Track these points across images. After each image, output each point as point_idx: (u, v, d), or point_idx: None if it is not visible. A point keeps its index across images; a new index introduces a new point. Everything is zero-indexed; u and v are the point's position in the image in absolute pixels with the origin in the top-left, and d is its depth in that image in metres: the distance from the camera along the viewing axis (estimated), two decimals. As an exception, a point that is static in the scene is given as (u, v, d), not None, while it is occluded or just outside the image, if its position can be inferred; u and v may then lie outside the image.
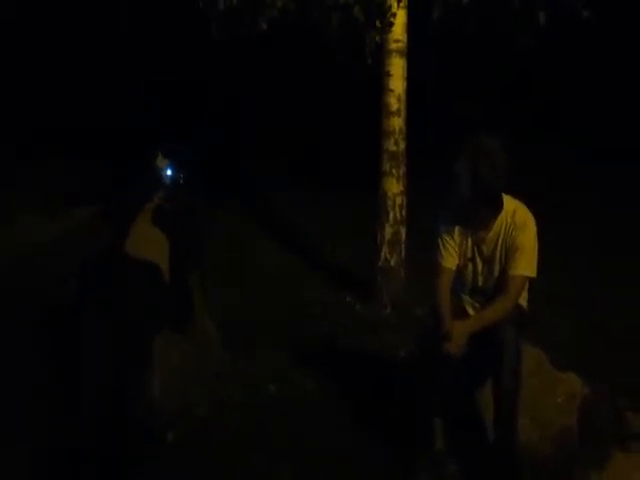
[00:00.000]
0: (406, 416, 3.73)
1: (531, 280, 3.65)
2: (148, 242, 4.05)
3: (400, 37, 5.98)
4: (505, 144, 3.47)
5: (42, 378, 4.04)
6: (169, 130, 9.10)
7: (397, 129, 5.99)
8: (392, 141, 5.99)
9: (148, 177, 4.43)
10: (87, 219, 7.06)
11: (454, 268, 3.72)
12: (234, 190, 9.33)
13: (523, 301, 3.73)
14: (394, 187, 6.02)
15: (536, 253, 3.58)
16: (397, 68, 5.98)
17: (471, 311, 3.75)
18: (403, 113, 6.03)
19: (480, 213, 3.61)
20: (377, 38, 6.24)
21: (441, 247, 3.72)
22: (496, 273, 3.64)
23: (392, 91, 5.98)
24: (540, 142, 9.22)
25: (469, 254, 3.69)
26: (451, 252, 3.70)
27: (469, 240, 3.68)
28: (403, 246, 6.10)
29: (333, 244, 7.57)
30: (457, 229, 3.69)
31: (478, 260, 3.68)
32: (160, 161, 4.45)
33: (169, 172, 4.43)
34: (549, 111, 10.32)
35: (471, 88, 10.80)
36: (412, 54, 6.09)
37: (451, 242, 3.71)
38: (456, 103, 10.41)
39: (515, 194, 3.65)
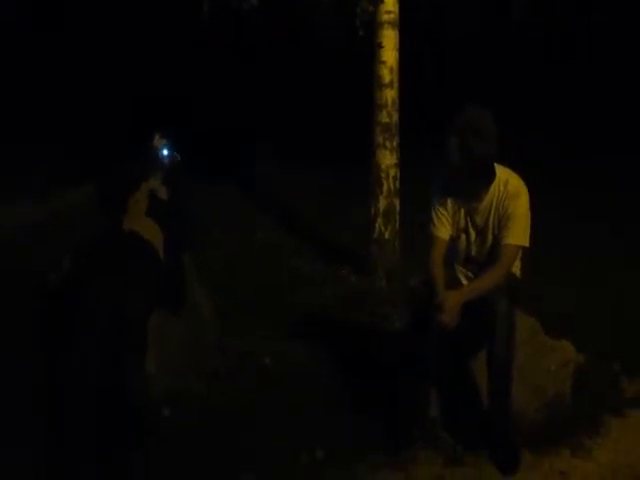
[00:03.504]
0: (401, 385, 3.75)
1: (525, 249, 3.67)
2: (143, 222, 4.04)
3: (392, 8, 5.93)
4: (493, 114, 3.48)
5: (35, 360, 4.02)
6: (162, 112, 9.09)
7: (390, 101, 5.97)
8: (385, 113, 5.97)
9: (144, 157, 4.41)
10: (79, 201, 7.03)
11: (447, 238, 3.73)
12: (225, 166, 9.29)
13: (516, 270, 3.75)
14: (388, 159, 6.01)
15: (529, 222, 3.59)
16: (389, 40, 5.94)
17: (465, 281, 3.76)
18: (396, 85, 6.00)
19: (472, 184, 3.61)
20: (370, 8, 6.20)
21: (434, 218, 3.73)
22: (489, 243, 3.66)
23: (384, 63, 5.95)
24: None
25: (462, 224, 3.71)
26: (444, 222, 3.72)
27: (462, 210, 3.69)
28: (397, 218, 6.10)
29: (327, 217, 7.57)
30: (450, 200, 3.70)
31: (471, 230, 3.70)
32: (157, 141, 4.44)
33: (165, 152, 4.42)
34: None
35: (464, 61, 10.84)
36: (405, 25, 6.06)
37: (444, 213, 3.72)
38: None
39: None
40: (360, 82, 6.40)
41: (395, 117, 6.01)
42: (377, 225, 6.06)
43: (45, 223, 7.00)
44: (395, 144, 6.02)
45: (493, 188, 3.60)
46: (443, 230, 3.72)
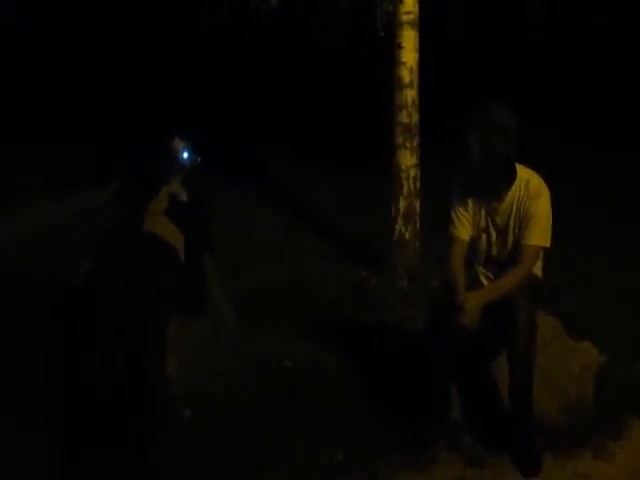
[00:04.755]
0: (422, 387, 3.74)
1: (546, 249, 3.64)
2: (163, 225, 4.05)
3: (412, 8, 5.91)
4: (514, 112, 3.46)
5: (55, 357, 4.04)
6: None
7: (410, 101, 5.95)
8: (405, 114, 5.95)
9: (164, 159, 4.41)
10: (98, 202, 7.04)
11: (467, 239, 3.71)
12: (244, 167, 9.30)
13: (538, 271, 3.72)
14: (408, 160, 5.99)
15: (550, 223, 3.57)
16: (408, 40, 5.92)
17: (485, 282, 3.74)
18: (416, 85, 5.98)
19: (493, 184, 3.59)
20: (390, 8, 6.19)
21: (454, 218, 3.71)
22: (510, 243, 3.63)
23: (404, 63, 5.93)
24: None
25: (483, 225, 3.68)
26: (464, 223, 3.69)
27: (482, 211, 3.67)
28: (418, 219, 6.08)
29: (347, 218, 7.55)
30: (470, 200, 3.68)
31: (492, 230, 3.67)
32: (177, 144, 4.44)
33: (185, 155, 4.42)
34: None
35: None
36: (424, 25, 6.04)
37: (464, 213, 3.69)
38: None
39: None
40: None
41: (415, 117, 5.99)
42: (397, 226, 6.04)
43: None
44: (415, 144, 6.00)
45: (514, 188, 3.57)
46: (463, 231, 3.70)
